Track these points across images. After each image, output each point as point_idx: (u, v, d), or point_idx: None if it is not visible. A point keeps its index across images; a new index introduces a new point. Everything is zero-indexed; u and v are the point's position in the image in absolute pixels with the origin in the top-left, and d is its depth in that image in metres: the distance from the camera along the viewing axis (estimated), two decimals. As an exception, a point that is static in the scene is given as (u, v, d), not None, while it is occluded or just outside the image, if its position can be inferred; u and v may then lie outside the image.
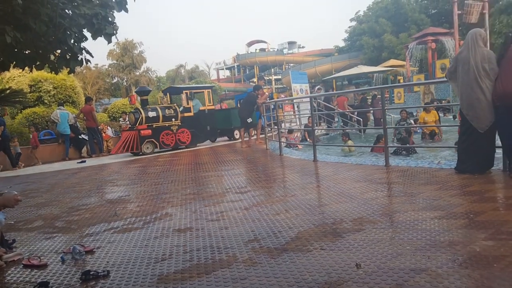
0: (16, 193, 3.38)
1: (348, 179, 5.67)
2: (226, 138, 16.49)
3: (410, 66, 26.06)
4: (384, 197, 4.55)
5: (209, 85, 16.69)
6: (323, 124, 17.82)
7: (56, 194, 7.11)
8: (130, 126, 14.08)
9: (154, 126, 13.52)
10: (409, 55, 25.72)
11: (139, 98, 14.71)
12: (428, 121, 11.37)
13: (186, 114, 14.49)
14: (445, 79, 5.77)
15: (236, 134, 15.66)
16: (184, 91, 14.75)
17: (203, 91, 15.54)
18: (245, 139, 12.77)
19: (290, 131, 13.20)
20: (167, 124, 13.81)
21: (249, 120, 12.43)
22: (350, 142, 10.94)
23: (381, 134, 9.93)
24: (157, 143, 13.53)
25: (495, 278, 2.36)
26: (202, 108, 15.14)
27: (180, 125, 14.07)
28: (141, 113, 13.39)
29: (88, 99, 15.34)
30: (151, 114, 13.59)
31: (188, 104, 14.49)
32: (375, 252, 2.90)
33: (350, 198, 4.55)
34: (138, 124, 13.27)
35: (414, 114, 16.18)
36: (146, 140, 13.28)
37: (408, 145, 9.91)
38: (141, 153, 13.21)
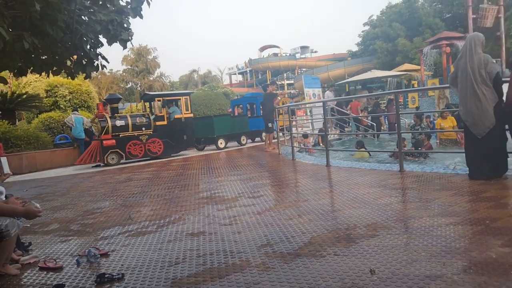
0: (38, 206, 3.43)
1: (362, 184, 5.64)
2: (236, 143, 16.42)
3: (424, 70, 25.82)
4: (399, 202, 4.51)
5: (186, 91, 15.81)
6: (335, 128, 17.76)
7: (71, 198, 7.20)
8: (97, 135, 13.58)
9: (120, 135, 12.86)
10: (424, 60, 25.49)
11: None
12: (445, 127, 11.15)
13: (159, 123, 13.76)
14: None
15: (221, 144, 14.91)
16: (156, 99, 14.12)
17: (180, 98, 14.68)
18: (273, 141, 12.83)
19: (305, 136, 13.16)
20: (136, 134, 13.12)
21: (270, 124, 12.49)
22: (365, 153, 10.71)
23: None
24: (123, 154, 12.80)
25: (512, 286, 2.32)
26: (177, 116, 14.27)
27: (151, 134, 13.42)
28: (107, 122, 12.75)
29: (104, 104, 15.45)
30: (119, 123, 12.93)
31: (161, 112, 13.75)
32: (389, 258, 2.88)
33: (364, 204, 4.52)
34: (104, 134, 12.68)
35: (432, 117, 15.98)
36: (110, 150, 12.59)
37: (421, 149, 9.79)
38: (102, 165, 12.65)
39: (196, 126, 15.30)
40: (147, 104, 15.02)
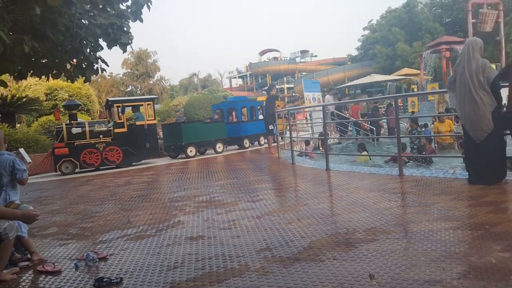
0: (32, 208, 3.44)
1: (361, 189, 5.63)
2: (236, 146, 16.31)
3: (424, 75, 25.88)
4: (398, 207, 4.50)
5: (149, 97, 14.91)
6: (335, 132, 17.72)
7: (70, 201, 7.19)
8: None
9: (75, 143, 12.34)
10: (423, 64, 25.55)
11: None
12: (442, 131, 11.14)
13: (118, 130, 13.04)
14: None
15: (191, 152, 14.08)
16: (115, 105, 13.23)
17: (142, 104, 13.86)
18: (273, 144, 12.85)
19: (307, 142, 13.15)
20: (93, 142, 12.58)
21: (271, 127, 12.49)
22: (365, 154, 10.68)
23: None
24: (77, 163, 12.27)
25: (512, 291, 2.32)
26: (139, 123, 13.53)
27: (110, 142, 12.81)
28: (62, 129, 12.30)
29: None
30: (76, 130, 12.40)
31: (120, 118, 13.08)
32: (388, 263, 2.87)
33: (363, 208, 4.51)
34: (59, 142, 12.27)
35: (429, 124, 15.98)
36: (63, 159, 12.09)
37: (424, 153, 9.76)
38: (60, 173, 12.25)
39: (166, 133, 14.84)
40: (105, 111, 14.54)
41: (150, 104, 13.84)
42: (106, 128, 12.94)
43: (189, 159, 13.51)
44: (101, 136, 12.71)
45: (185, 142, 13.89)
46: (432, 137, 11.06)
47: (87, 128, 12.60)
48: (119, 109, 13.09)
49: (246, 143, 16.00)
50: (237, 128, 16.00)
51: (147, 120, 13.57)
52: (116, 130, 12.97)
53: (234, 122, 16.43)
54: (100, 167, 12.78)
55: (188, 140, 13.97)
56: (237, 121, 16.40)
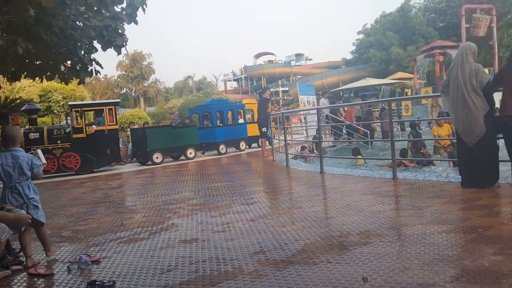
0: (24, 212, 3.42)
1: (355, 192, 5.65)
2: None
3: (418, 79, 26.03)
4: (392, 210, 4.52)
5: (111, 100, 14.14)
6: (330, 136, 17.75)
7: (63, 204, 7.14)
8: None
9: (31, 150, 11.14)
10: (417, 68, 25.71)
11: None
12: (441, 135, 11.16)
13: (77, 136, 12.35)
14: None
15: (157, 158, 13.37)
16: (73, 109, 12.61)
17: (103, 108, 13.01)
18: (267, 147, 12.82)
19: (303, 148, 13.17)
20: (50, 147, 11.91)
21: (264, 129, 12.48)
22: (360, 159, 10.67)
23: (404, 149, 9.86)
24: None
25: (504, 294, 2.33)
26: (99, 128, 12.82)
27: (68, 148, 12.14)
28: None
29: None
30: (33, 135, 11.74)
31: (78, 123, 12.45)
32: (382, 266, 2.88)
33: (357, 211, 4.52)
34: None
35: (424, 127, 16.11)
36: None
37: (420, 157, 9.77)
38: None
39: (133, 138, 14.42)
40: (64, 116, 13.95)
41: (112, 108, 13.08)
42: (63, 133, 12.27)
43: (155, 166, 12.90)
44: (59, 141, 12.07)
45: (150, 148, 13.24)
46: (423, 141, 11.10)
47: (45, 133, 12.01)
48: (78, 113, 12.51)
49: (222, 149, 15.13)
50: (212, 133, 15.16)
51: (108, 125, 12.85)
52: (75, 136, 12.34)
53: (208, 127, 15.62)
54: (57, 174, 12.06)
55: (153, 146, 13.31)
56: (211, 126, 15.49)
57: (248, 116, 17.95)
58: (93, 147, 12.48)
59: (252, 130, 16.20)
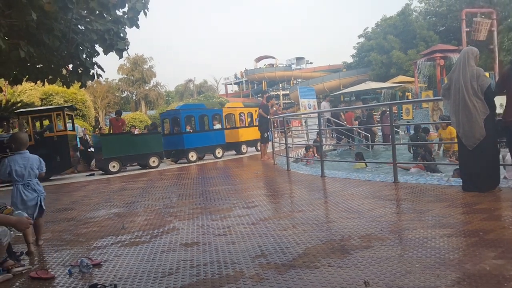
0: (26, 215, 3.45)
1: (356, 195, 5.64)
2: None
3: (418, 82, 26.04)
4: (393, 214, 4.52)
5: (58, 106, 13.15)
6: (330, 140, 17.74)
7: (64, 207, 7.14)
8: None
9: None
10: (418, 72, 25.72)
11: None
12: (443, 138, 11.15)
13: None
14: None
15: (113, 167, 12.70)
16: (20, 116, 12.10)
17: (51, 114, 12.33)
18: (259, 152, 12.81)
19: (307, 149, 13.16)
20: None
21: (265, 134, 12.48)
22: (363, 164, 10.63)
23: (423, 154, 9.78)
24: None
25: (506, 298, 2.33)
26: (48, 134, 12.22)
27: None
28: None
29: (118, 113, 15.17)
30: None
31: (26, 130, 11.79)
32: (383, 270, 2.88)
33: (358, 215, 4.52)
34: None
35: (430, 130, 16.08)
36: None
37: (426, 161, 9.71)
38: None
39: (94, 145, 13.99)
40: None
41: (60, 113, 12.39)
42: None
43: (111, 176, 12.25)
44: (8, 150, 11.10)
45: (106, 156, 12.64)
46: (431, 146, 11.10)
47: None
48: (24, 120, 11.91)
49: (192, 156, 14.13)
50: (179, 139, 14.13)
51: (57, 131, 12.24)
52: None
53: (176, 133, 14.67)
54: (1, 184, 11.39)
55: (110, 155, 12.67)
56: (179, 132, 14.44)
57: (250, 119, 17.31)
58: (41, 155, 11.44)
59: (232, 135, 15.75)
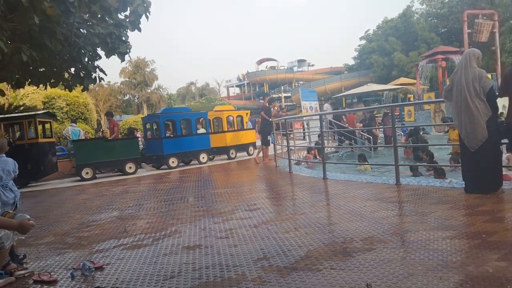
0: (28, 216, 3.45)
1: (358, 198, 5.63)
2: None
3: (420, 84, 26.04)
4: (395, 216, 4.51)
5: (31, 113, 12.60)
6: (332, 142, 17.71)
7: (66, 210, 7.15)
8: None
9: None
10: (419, 74, 25.72)
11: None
12: (451, 139, 11.15)
13: None
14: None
15: (87, 174, 12.25)
16: None
17: (22, 121, 11.89)
18: (260, 155, 12.75)
19: (309, 150, 13.14)
20: None
21: (268, 137, 12.45)
22: (367, 166, 10.60)
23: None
24: None
25: (509, 301, 2.32)
26: (20, 142, 11.79)
27: None
28: None
29: (109, 114, 15.16)
30: None
31: None
32: (386, 272, 2.87)
33: (361, 217, 4.52)
34: None
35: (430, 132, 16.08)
36: None
37: (425, 163, 9.67)
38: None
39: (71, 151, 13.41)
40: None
41: (31, 120, 11.93)
42: None
43: (84, 182, 11.82)
44: None
45: (78, 163, 12.24)
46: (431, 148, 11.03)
47: None
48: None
49: (173, 162, 13.49)
50: (159, 145, 13.50)
51: (28, 139, 11.83)
52: None
53: (155, 138, 14.02)
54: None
55: (82, 161, 12.23)
56: (158, 137, 13.75)
57: (239, 123, 16.58)
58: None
59: (218, 140, 15.09)
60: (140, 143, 14.70)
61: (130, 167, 12.96)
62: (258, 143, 18.17)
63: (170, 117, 14.21)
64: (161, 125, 13.61)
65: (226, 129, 15.48)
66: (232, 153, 15.29)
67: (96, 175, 12.53)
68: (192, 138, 14.20)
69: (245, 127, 16.46)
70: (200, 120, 15.12)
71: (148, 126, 14.67)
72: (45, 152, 12.39)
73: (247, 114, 17.34)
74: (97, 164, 12.55)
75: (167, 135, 13.89)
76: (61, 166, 14.01)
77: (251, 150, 15.97)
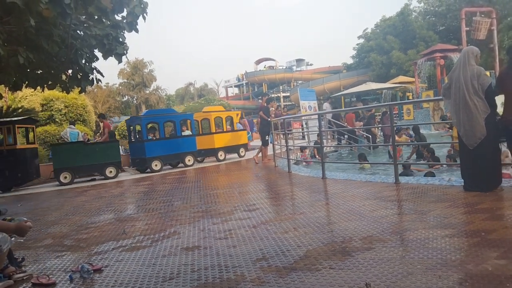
0: (25, 218, 3.45)
1: (357, 197, 5.63)
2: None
3: (419, 82, 26.03)
4: (394, 215, 4.50)
5: (10, 120, 12.41)
6: (331, 141, 17.71)
7: (65, 212, 7.14)
8: None
9: None
10: (418, 72, 25.71)
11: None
12: (454, 135, 11.13)
13: None
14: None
15: (65, 178, 12.05)
16: None
17: (1, 128, 11.86)
18: (259, 155, 12.73)
19: (302, 149, 13.15)
20: None
21: (267, 137, 12.45)
22: (366, 165, 10.61)
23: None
24: None
25: (508, 299, 2.31)
26: None
27: None
28: None
29: (102, 116, 15.08)
30: None
31: None
32: (385, 272, 2.86)
33: (360, 216, 4.51)
34: None
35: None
36: None
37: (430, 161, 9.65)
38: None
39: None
40: None
41: (9, 127, 11.80)
42: None
43: (61, 187, 11.68)
44: None
45: (56, 167, 12.01)
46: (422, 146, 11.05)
47: None
48: None
49: (156, 165, 13.21)
50: (141, 148, 13.23)
51: (7, 145, 11.74)
52: None
53: (137, 141, 13.84)
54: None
55: (60, 165, 11.99)
56: (141, 140, 13.54)
57: (229, 124, 16.18)
58: None
59: (206, 142, 14.92)
60: None
61: (111, 171, 12.68)
62: (254, 143, 18.01)
63: (152, 119, 13.89)
64: (143, 127, 13.39)
65: (214, 131, 15.13)
66: (220, 155, 14.91)
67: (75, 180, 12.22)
68: (177, 141, 13.90)
69: (235, 128, 16.08)
70: (185, 122, 14.81)
71: (132, 128, 14.39)
72: (24, 159, 12.20)
73: (237, 115, 16.98)
74: (76, 168, 12.27)
75: (150, 137, 13.60)
76: (47, 170, 13.63)
77: (242, 151, 15.59)
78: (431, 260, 2.97)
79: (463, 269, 2.76)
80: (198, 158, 15.00)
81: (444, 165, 9.19)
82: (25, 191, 11.80)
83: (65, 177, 12.04)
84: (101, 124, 14.20)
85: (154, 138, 13.70)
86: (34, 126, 12.96)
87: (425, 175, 7.66)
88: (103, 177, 12.67)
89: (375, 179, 7.00)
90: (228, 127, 16.11)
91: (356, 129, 16.08)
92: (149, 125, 14.10)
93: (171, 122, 14.38)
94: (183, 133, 14.28)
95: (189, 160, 13.99)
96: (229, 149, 15.31)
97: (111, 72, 53.58)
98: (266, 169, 10.82)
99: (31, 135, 12.99)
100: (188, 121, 14.84)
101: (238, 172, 11.19)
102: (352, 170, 10.25)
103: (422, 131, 13.16)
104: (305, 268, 3.11)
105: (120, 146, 14.46)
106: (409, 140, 12.23)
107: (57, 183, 12.14)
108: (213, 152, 14.90)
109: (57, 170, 11.98)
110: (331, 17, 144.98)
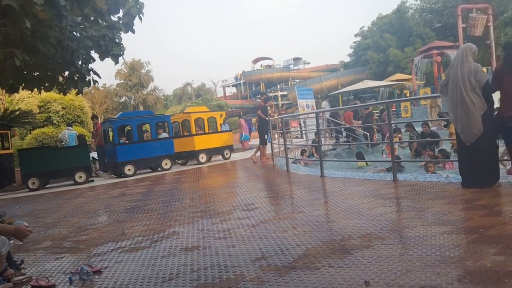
0: (26, 224, 3.44)
1: (356, 195, 5.64)
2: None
3: (416, 79, 26.07)
4: (393, 212, 4.51)
5: None
6: (329, 139, 17.70)
7: (64, 214, 7.13)
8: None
9: None
10: (415, 69, 25.75)
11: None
12: (452, 132, 11.14)
13: None
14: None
15: (33, 184, 11.75)
16: None
17: None
18: (256, 154, 12.71)
19: (303, 152, 13.14)
20: None
21: (266, 136, 12.43)
22: (363, 162, 10.58)
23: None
24: None
25: (507, 295, 2.32)
26: None
27: None
28: None
29: (94, 117, 14.92)
30: None
31: None
32: (384, 269, 2.87)
33: (358, 214, 4.52)
34: None
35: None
36: None
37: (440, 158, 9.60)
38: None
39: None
40: None
41: None
42: None
43: (31, 193, 11.42)
44: None
45: (23, 172, 11.64)
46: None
47: None
48: None
49: (129, 170, 12.72)
50: (112, 152, 12.90)
51: None
52: None
53: (109, 145, 13.46)
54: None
55: (28, 170, 11.64)
56: (112, 143, 13.12)
57: (212, 125, 15.57)
58: None
59: (185, 144, 14.41)
60: None
61: (80, 176, 12.26)
62: (237, 146, 17.59)
63: (124, 122, 13.48)
64: (115, 130, 12.95)
65: (195, 132, 14.50)
66: (202, 158, 14.31)
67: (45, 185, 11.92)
68: (152, 144, 13.36)
69: (219, 130, 15.56)
70: (161, 124, 14.10)
71: (108, 131, 13.80)
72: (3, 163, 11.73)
73: (221, 115, 16.45)
74: (44, 173, 11.97)
75: (122, 141, 13.14)
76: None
77: (227, 153, 15.05)
78: (430, 257, 2.98)
79: (462, 266, 2.76)
80: (179, 161, 14.46)
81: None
82: (25, 193, 11.77)
83: (33, 183, 11.74)
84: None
85: (127, 141, 13.23)
86: (8, 132, 12.59)
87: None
88: (72, 182, 12.29)
89: (373, 176, 7.01)
90: (211, 128, 15.43)
91: (354, 127, 16.07)
92: (126, 128, 13.69)
93: (146, 124, 13.85)
94: (159, 136, 13.65)
95: (166, 164, 13.49)
96: (212, 151, 14.71)
97: (109, 73, 53.59)
98: (265, 168, 10.82)
99: (6, 140, 12.52)
100: (166, 123, 14.28)
101: (236, 171, 11.18)
102: (350, 168, 10.25)
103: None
104: (304, 267, 3.11)
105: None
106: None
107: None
108: (194, 154, 14.36)
109: (25, 176, 11.64)
110: (327, 15, 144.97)
